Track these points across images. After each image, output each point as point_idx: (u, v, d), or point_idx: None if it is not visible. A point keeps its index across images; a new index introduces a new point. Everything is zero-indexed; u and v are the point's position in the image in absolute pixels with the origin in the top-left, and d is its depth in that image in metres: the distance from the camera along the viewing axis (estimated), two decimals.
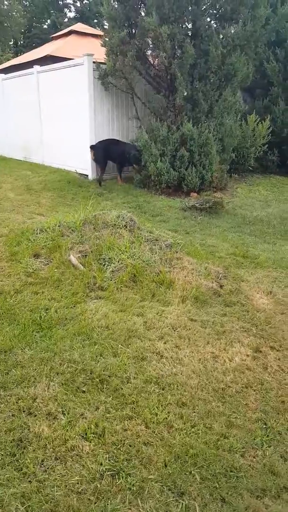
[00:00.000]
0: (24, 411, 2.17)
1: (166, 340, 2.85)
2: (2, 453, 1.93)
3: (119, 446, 1.98)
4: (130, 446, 1.99)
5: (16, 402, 2.23)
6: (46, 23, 38.68)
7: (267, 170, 9.07)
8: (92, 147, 7.61)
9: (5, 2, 32.12)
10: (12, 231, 4.72)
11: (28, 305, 3.22)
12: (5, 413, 2.15)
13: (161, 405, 2.25)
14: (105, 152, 7.55)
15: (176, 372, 2.53)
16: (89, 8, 37.80)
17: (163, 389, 2.38)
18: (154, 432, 2.08)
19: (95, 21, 35.49)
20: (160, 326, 3.01)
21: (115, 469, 1.86)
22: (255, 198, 7.20)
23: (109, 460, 1.91)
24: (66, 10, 39.63)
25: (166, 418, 2.16)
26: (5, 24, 30.96)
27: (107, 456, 1.93)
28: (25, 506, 1.69)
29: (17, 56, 27.48)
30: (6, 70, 13.62)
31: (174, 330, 2.98)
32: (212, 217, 6.01)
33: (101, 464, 1.88)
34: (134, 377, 2.46)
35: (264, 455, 2.00)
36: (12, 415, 2.15)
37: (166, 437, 2.05)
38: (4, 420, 2.11)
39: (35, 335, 2.83)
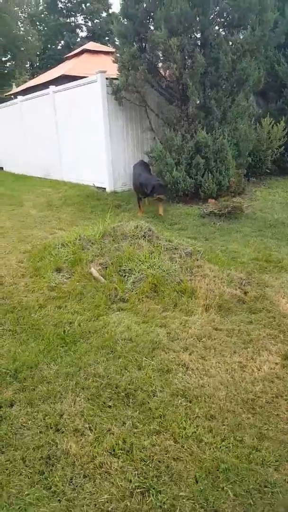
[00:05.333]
0: (51, 428, 2.16)
1: (191, 351, 2.80)
2: (31, 471, 1.92)
3: (148, 462, 1.94)
4: (159, 462, 1.94)
5: (43, 419, 2.22)
6: (60, 44, 39.99)
7: (285, 171, 8.93)
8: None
9: (21, 28, 33.55)
10: (35, 247, 4.80)
11: (52, 319, 3.25)
12: (32, 430, 2.15)
13: (189, 419, 2.20)
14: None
15: (203, 384, 2.47)
16: (100, 26, 38.91)
17: (190, 402, 2.32)
18: (183, 446, 2.02)
19: (106, 38, 36.39)
20: (184, 336, 2.96)
21: (144, 486, 1.82)
22: (275, 201, 7.06)
23: (138, 476, 1.86)
24: (78, 30, 40.92)
25: (195, 432, 2.10)
26: (22, 49, 32.31)
27: (136, 472, 1.89)
28: None
29: (34, 77, 28.47)
30: (23, 92, 14.07)
31: (199, 341, 2.92)
32: (232, 222, 5.93)
33: (130, 481, 1.84)
34: (160, 390, 2.41)
35: None
36: (40, 432, 2.14)
37: (195, 451, 1.99)
38: (32, 437, 2.11)
39: (60, 350, 2.83)
